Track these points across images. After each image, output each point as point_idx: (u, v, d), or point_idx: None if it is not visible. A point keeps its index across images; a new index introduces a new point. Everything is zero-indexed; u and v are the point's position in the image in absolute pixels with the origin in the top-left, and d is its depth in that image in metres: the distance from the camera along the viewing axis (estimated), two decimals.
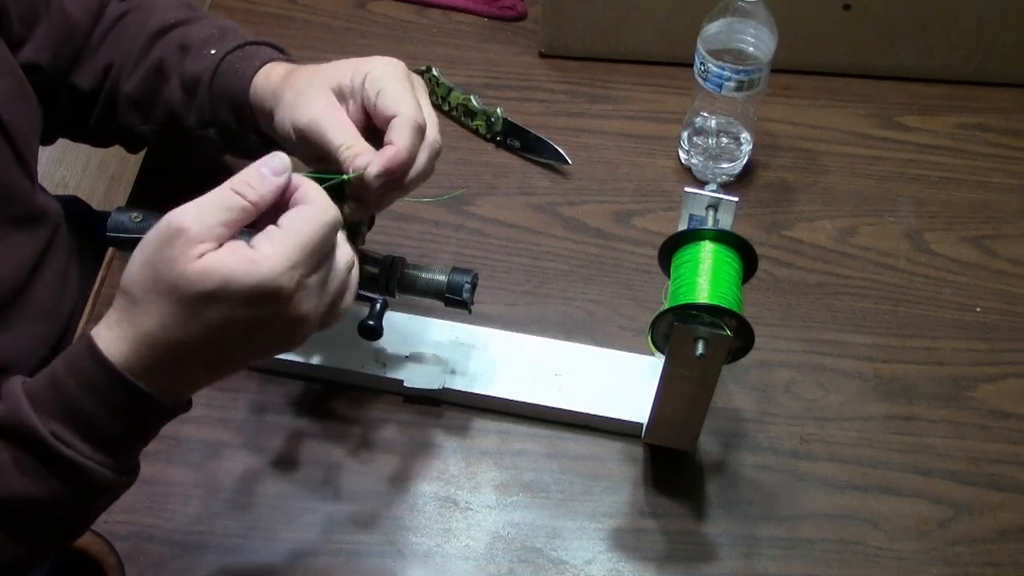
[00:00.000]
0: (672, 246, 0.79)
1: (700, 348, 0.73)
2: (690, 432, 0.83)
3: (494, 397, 0.87)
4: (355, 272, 0.71)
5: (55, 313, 0.94)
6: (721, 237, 0.77)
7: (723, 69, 0.98)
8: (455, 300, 0.82)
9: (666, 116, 1.12)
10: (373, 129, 0.78)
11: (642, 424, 0.85)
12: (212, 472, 0.83)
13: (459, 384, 0.88)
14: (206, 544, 0.80)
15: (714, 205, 0.81)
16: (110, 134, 1.00)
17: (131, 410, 0.64)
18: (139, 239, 0.78)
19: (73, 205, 1.19)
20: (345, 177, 0.74)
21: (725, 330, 0.73)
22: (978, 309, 0.97)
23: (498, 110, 1.08)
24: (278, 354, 0.70)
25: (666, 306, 0.75)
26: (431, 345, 0.90)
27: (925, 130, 1.13)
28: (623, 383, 0.88)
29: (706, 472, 0.86)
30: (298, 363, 0.88)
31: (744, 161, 1.06)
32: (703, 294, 0.74)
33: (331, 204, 0.65)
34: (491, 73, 1.16)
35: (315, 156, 0.79)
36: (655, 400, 0.80)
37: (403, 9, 1.23)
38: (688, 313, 0.74)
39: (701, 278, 0.75)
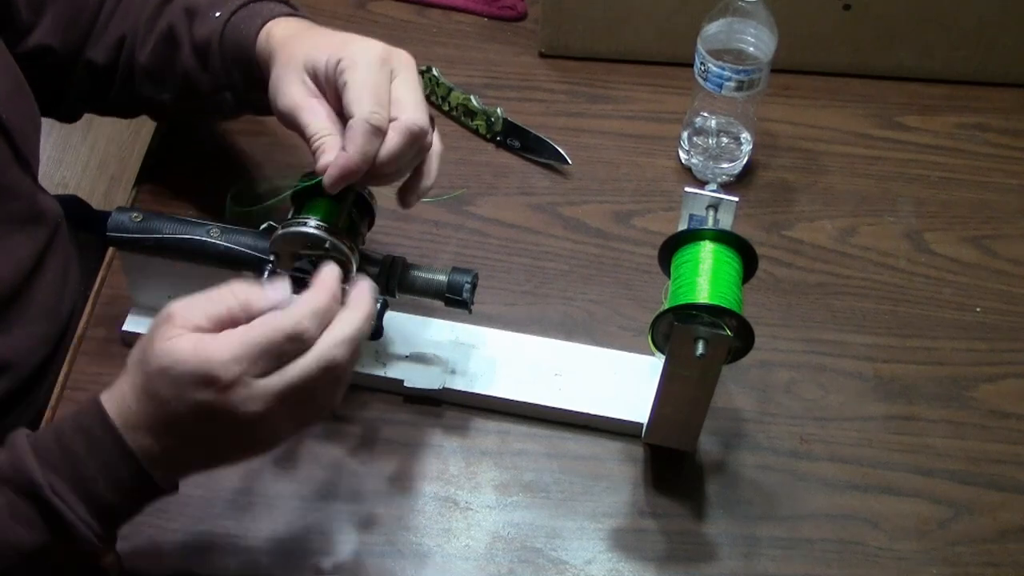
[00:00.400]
0: (672, 246, 0.79)
1: (700, 348, 0.73)
2: (690, 432, 0.83)
3: (494, 397, 0.87)
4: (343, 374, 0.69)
5: (55, 313, 0.94)
6: (721, 237, 0.77)
7: (723, 69, 0.98)
8: (455, 300, 0.82)
9: (666, 116, 1.12)
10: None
11: (642, 424, 0.85)
12: (212, 472, 0.83)
13: (459, 384, 0.88)
14: (206, 544, 0.80)
15: (714, 205, 0.81)
16: (133, 105, 0.99)
17: (125, 474, 0.67)
18: (139, 239, 0.78)
19: (73, 205, 1.19)
20: (300, 185, 0.77)
21: (725, 330, 0.73)
22: (978, 309, 0.97)
23: (498, 110, 1.08)
24: (248, 457, 0.71)
25: (666, 306, 0.75)
26: (431, 345, 0.90)
27: (925, 130, 1.12)
28: (623, 383, 0.88)
29: (706, 472, 0.86)
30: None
31: (744, 161, 1.06)
32: (703, 294, 0.74)
33: (303, 316, 0.66)
34: (491, 73, 1.16)
35: (301, 137, 0.78)
36: (655, 400, 0.80)
37: (403, 9, 1.23)
38: (688, 313, 0.74)
39: (701, 278, 0.75)
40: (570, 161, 1.06)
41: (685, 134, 1.07)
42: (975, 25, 1.12)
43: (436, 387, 0.87)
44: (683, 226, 0.83)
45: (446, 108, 1.11)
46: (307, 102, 0.77)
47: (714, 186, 0.82)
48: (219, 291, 0.67)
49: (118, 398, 0.68)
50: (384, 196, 1.04)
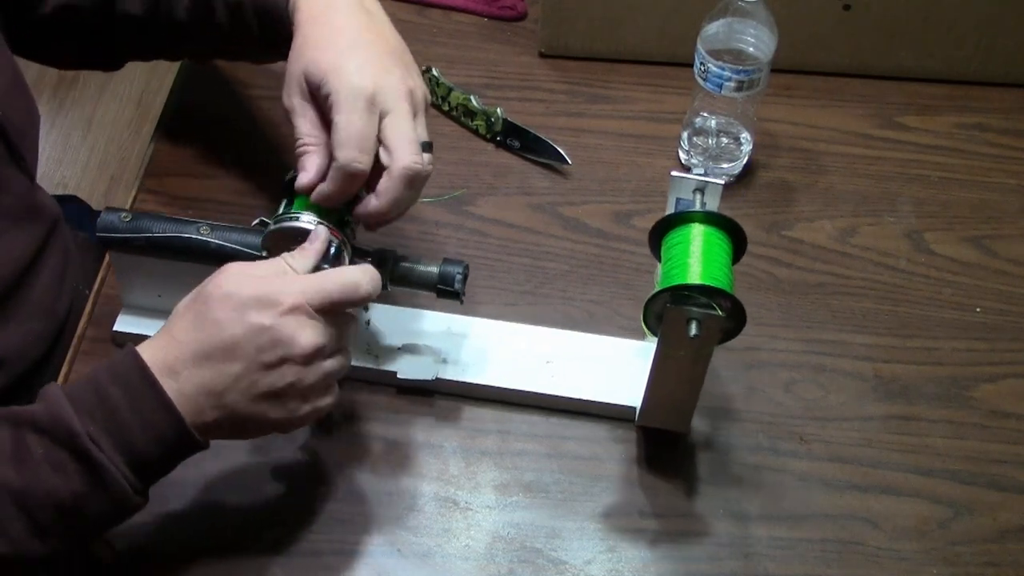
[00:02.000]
0: (662, 229, 0.79)
1: (693, 329, 0.74)
2: (684, 413, 0.84)
3: (487, 386, 0.88)
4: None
5: (51, 310, 0.95)
6: (710, 219, 0.77)
7: (723, 69, 0.98)
8: (447, 291, 0.82)
9: (666, 116, 1.11)
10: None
11: (635, 408, 0.86)
12: (212, 472, 0.83)
13: (452, 374, 0.88)
14: (206, 544, 0.80)
15: (701, 188, 0.82)
16: (175, 52, 1.00)
17: (162, 423, 0.69)
18: (129, 238, 0.79)
19: (72, 205, 1.19)
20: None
21: (717, 310, 0.73)
22: (978, 309, 0.97)
23: (498, 110, 1.08)
24: (274, 420, 0.73)
25: (658, 288, 0.75)
26: (423, 336, 0.90)
27: (925, 130, 1.12)
28: (615, 368, 0.89)
29: (706, 472, 0.86)
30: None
31: (744, 161, 1.06)
32: (695, 275, 0.74)
33: (365, 274, 0.75)
34: (491, 73, 1.16)
35: None
36: (648, 382, 0.81)
37: (403, 9, 1.23)
38: (681, 294, 0.74)
39: (692, 259, 0.75)
40: (570, 161, 1.06)
41: (685, 134, 1.07)
42: (975, 25, 1.12)
43: (429, 377, 0.87)
44: (670, 210, 0.83)
45: (446, 108, 1.11)
46: (301, 107, 0.80)
47: (701, 170, 0.82)
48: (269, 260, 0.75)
49: (159, 347, 0.71)
50: None
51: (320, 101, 0.79)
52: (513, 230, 1.01)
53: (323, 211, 0.80)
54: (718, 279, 0.74)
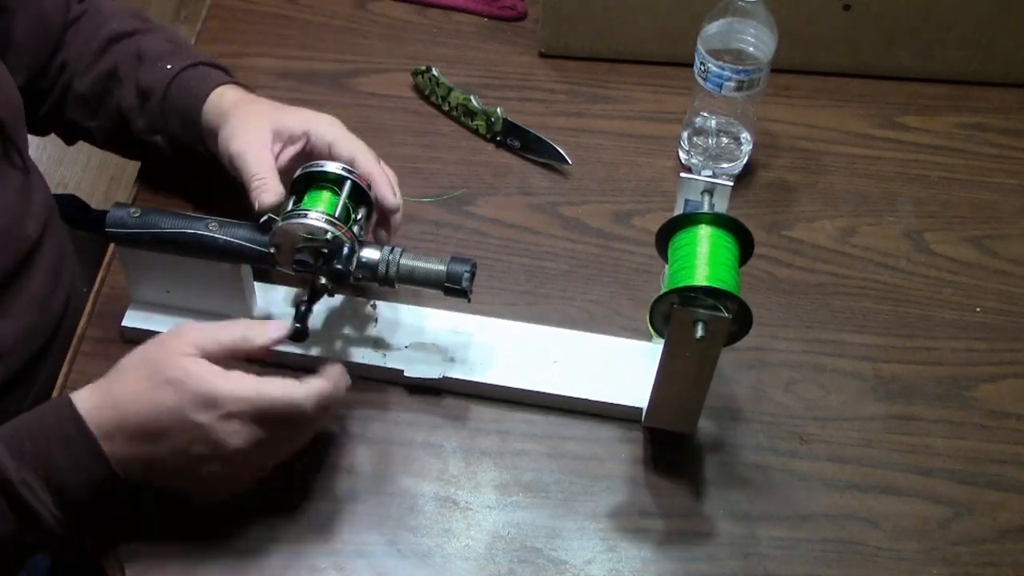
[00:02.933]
0: (669, 230, 0.79)
1: (700, 331, 0.74)
2: (690, 414, 0.84)
3: (493, 385, 0.88)
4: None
5: (47, 305, 0.95)
6: (717, 221, 0.77)
7: (723, 69, 0.98)
8: (455, 289, 0.82)
9: (666, 116, 1.12)
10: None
11: (641, 408, 0.86)
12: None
13: (458, 372, 0.88)
14: (206, 544, 0.80)
15: (709, 190, 0.82)
16: (51, 126, 1.03)
17: (93, 473, 0.73)
18: (138, 233, 0.79)
19: (72, 205, 1.19)
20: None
21: (724, 312, 0.73)
22: (978, 309, 0.97)
23: (498, 110, 1.08)
24: (213, 492, 0.79)
25: (665, 289, 0.75)
26: (430, 335, 0.90)
27: (925, 130, 1.12)
28: (621, 369, 0.89)
29: (706, 472, 0.86)
30: (297, 355, 0.88)
31: (744, 161, 1.06)
32: (702, 277, 0.74)
33: (310, 398, 0.75)
34: (491, 73, 1.16)
35: (242, 184, 0.85)
36: (655, 383, 0.81)
37: (403, 9, 1.23)
38: (687, 296, 0.74)
39: (699, 261, 0.75)
40: (570, 161, 1.06)
41: (685, 134, 1.07)
42: (975, 25, 1.12)
43: (436, 376, 0.87)
44: (679, 211, 0.83)
45: (446, 108, 1.11)
46: (259, 148, 0.85)
47: (709, 172, 0.82)
48: (230, 323, 0.78)
49: (97, 403, 0.74)
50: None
51: (292, 140, 0.87)
52: (513, 230, 1.01)
53: (333, 208, 0.81)
54: (725, 281, 0.74)
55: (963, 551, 0.82)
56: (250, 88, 0.95)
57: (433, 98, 1.12)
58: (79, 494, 0.74)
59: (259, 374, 0.75)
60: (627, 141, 1.10)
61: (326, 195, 0.82)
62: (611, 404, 0.87)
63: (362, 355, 0.89)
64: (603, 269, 0.99)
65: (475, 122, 1.09)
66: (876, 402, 0.90)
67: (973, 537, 0.83)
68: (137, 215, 0.84)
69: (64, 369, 0.89)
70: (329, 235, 0.80)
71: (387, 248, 0.83)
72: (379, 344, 0.89)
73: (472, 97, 1.09)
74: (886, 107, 1.14)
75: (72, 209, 1.16)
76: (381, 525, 0.82)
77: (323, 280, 0.81)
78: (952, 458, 0.87)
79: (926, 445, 0.88)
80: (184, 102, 0.93)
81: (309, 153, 0.87)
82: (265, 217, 0.83)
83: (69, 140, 1.04)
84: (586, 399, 0.87)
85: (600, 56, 1.17)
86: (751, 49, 0.99)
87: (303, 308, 0.81)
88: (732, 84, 0.98)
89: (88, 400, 0.75)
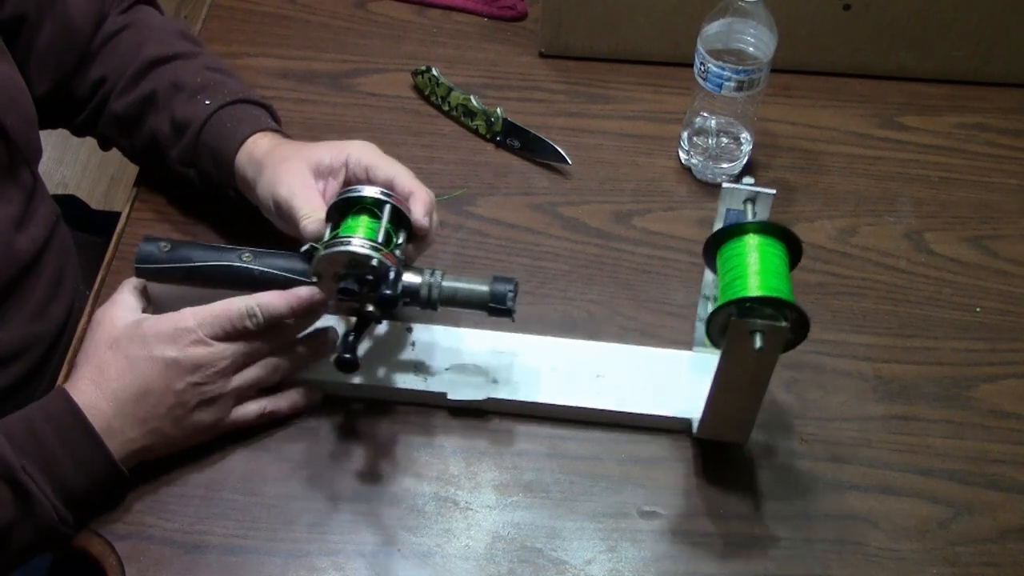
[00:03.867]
0: (717, 242, 0.79)
1: (758, 341, 0.74)
2: (744, 424, 0.83)
3: (540, 403, 0.87)
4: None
5: (52, 311, 0.95)
6: (765, 229, 0.78)
7: (723, 69, 0.98)
8: (499, 309, 0.81)
9: (666, 116, 1.12)
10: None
11: (689, 419, 0.86)
12: (212, 472, 0.83)
13: (503, 393, 0.87)
14: (206, 544, 0.80)
15: (752, 198, 0.82)
16: (87, 133, 1.03)
17: (90, 460, 0.77)
18: (169, 269, 0.82)
19: (72, 205, 1.19)
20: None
21: (782, 321, 0.74)
22: (978, 309, 0.97)
23: (498, 110, 1.08)
24: (204, 425, 0.82)
25: (719, 302, 0.76)
26: (470, 355, 0.89)
27: (925, 130, 1.13)
28: (665, 380, 0.89)
29: (705, 473, 0.86)
30: (340, 384, 0.87)
31: (744, 161, 1.06)
32: (755, 287, 0.75)
33: (255, 302, 0.80)
34: (491, 73, 1.16)
35: (289, 225, 0.85)
36: (710, 393, 0.81)
37: (403, 9, 1.23)
38: (745, 307, 0.75)
39: (750, 271, 0.76)
40: (570, 161, 1.06)
41: (685, 134, 1.07)
42: (975, 25, 1.12)
43: (480, 398, 0.87)
44: (720, 221, 0.84)
45: (446, 108, 1.11)
46: (305, 188, 0.85)
47: (751, 179, 0.82)
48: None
49: (86, 388, 0.78)
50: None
51: (333, 171, 0.87)
52: (513, 230, 1.01)
53: (375, 234, 0.80)
54: (779, 289, 0.74)
55: (963, 551, 0.82)
56: (283, 132, 0.95)
57: (433, 98, 1.12)
58: (79, 484, 0.76)
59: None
60: (627, 141, 1.10)
61: (365, 220, 0.81)
62: (659, 416, 0.87)
63: (404, 380, 0.88)
64: (603, 269, 0.99)
65: (475, 122, 1.09)
66: (876, 402, 0.90)
67: (973, 537, 0.83)
68: (167, 249, 0.83)
69: (64, 370, 0.89)
70: (374, 261, 0.79)
71: (427, 271, 0.82)
72: (419, 368, 0.88)
73: (472, 97, 1.09)
74: (886, 107, 1.14)
75: (72, 210, 1.16)
76: (381, 525, 0.82)
77: (371, 307, 0.80)
78: (952, 458, 0.87)
79: (926, 445, 0.88)
80: (218, 144, 0.92)
81: (349, 180, 0.87)
82: (307, 246, 0.82)
83: (104, 148, 1.04)
84: (634, 412, 0.87)
85: (600, 56, 1.17)
86: (751, 49, 0.99)
87: (351, 338, 0.80)
88: (732, 84, 0.98)
89: (77, 387, 0.78)
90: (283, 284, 0.82)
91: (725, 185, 0.82)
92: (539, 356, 0.90)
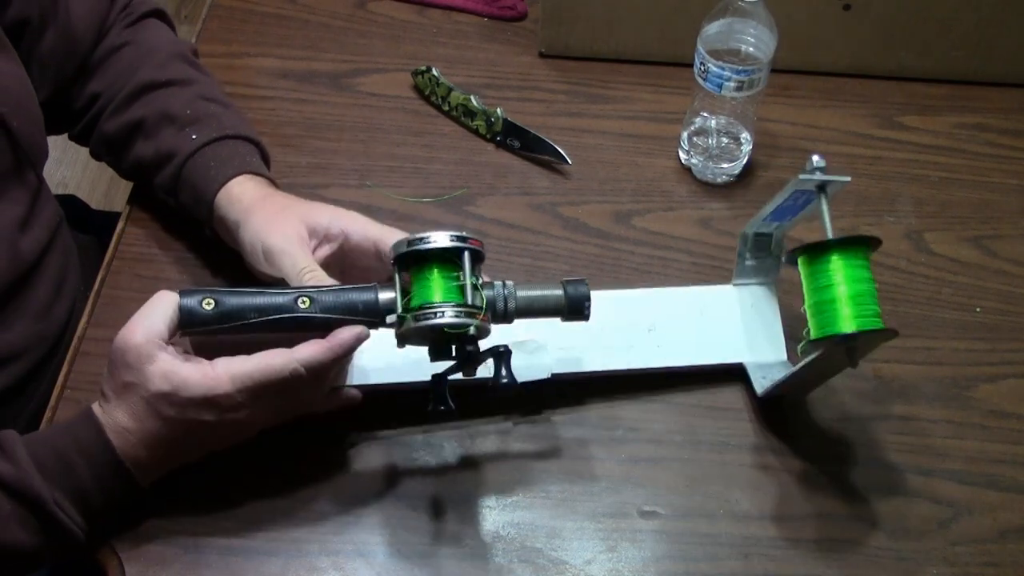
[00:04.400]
0: (804, 248, 0.81)
1: (858, 361, 0.78)
2: (811, 387, 0.88)
3: (601, 372, 0.88)
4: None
5: (54, 312, 0.95)
6: (845, 243, 0.79)
7: (723, 69, 0.98)
8: (577, 314, 0.80)
9: (666, 116, 1.12)
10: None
11: (741, 364, 0.89)
12: (212, 472, 0.83)
13: (565, 367, 0.87)
14: (206, 544, 0.80)
15: (823, 186, 0.82)
16: (84, 143, 1.03)
17: (115, 484, 0.77)
18: (220, 329, 0.77)
19: (72, 205, 1.19)
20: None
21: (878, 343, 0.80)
22: (978, 309, 0.97)
23: (498, 110, 1.08)
24: (231, 443, 0.81)
25: (816, 330, 0.79)
26: (522, 336, 0.87)
27: (925, 130, 1.13)
28: (713, 322, 0.91)
29: (705, 473, 0.86)
30: (402, 383, 0.85)
31: (744, 161, 1.06)
32: (848, 324, 0.77)
33: (298, 361, 0.75)
34: (491, 73, 1.16)
35: (274, 274, 0.84)
36: (791, 373, 0.83)
37: (403, 9, 1.23)
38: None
39: (840, 302, 0.78)
40: (570, 161, 1.06)
41: (685, 134, 1.07)
42: (975, 25, 1.12)
43: (545, 376, 0.86)
44: (784, 193, 0.84)
45: (446, 108, 1.11)
46: (301, 244, 0.84)
47: (821, 161, 0.82)
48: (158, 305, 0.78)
49: (113, 420, 0.76)
50: (385, 197, 1.04)
51: (329, 237, 0.86)
52: (513, 230, 1.01)
53: (460, 296, 0.76)
54: (868, 316, 0.78)
55: (963, 551, 0.82)
56: (270, 178, 0.93)
57: (433, 98, 1.12)
58: (102, 505, 0.77)
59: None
60: (627, 141, 1.10)
61: (438, 277, 0.76)
62: (715, 365, 0.89)
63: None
64: (603, 269, 0.99)
65: (475, 122, 1.09)
66: (876, 402, 0.90)
67: (973, 537, 0.83)
68: (212, 307, 0.75)
69: (64, 369, 0.89)
70: (471, 330, 0.75)
71: (498, 283, 0.79)
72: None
73: (472, 97, 1.09)
74: (886, 107, 1.14)
75: (72, 210, 1.16)
76: (381, 525, 0.82)
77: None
78: (952, 458, 0.87)
79: (926, 445, 0.88)
80: (199, 182, 0.91)
81: (347, 253, 0.86)
82: (392, 319, 0.77)
83: (96, 159, 1.03)
84: (690, 365, 0.89)
85: (600, 56, 1.17)
86: (751, 49, 0.99)
87: (441, 386, 0.78)
88: (732, 84, 0.98)
89: (105, 417, 0.76)
90: (345, 324, 0.78)
91: (801, 176, 0.81)
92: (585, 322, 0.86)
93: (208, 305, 0.75)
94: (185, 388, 0.74)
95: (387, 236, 0.84)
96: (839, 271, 0.79)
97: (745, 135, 1.06)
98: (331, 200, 1.02)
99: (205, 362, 0.75)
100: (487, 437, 0.87)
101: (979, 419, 0.90)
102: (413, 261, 0.77)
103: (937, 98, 1.15)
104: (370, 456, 0.86)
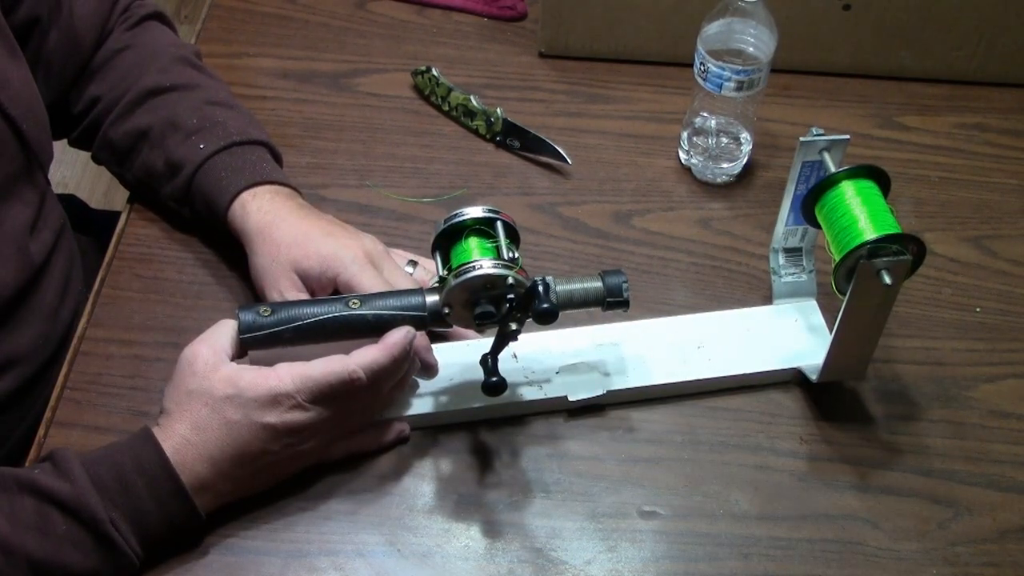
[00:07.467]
0: (814, 197, 0.83)
1: (887, 278, 0.78)
2: (863, 361, 0.87)
3: (655, 385, 0.89)
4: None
5: (58, 314, 0.95)
6: (856, 173, 0.82)
7: (723, 69, 0.98)
8: (616, 302, 0.82)
9: (666, 116, 1.12)
10: None
11: (793, 368, 0.89)
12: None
13: (619, 384, 0.88)
14: (206, 544, 0.80)
15: (827, 148, 0.85)
16: (83, 148, 1.02)
17: (173, 506, 0.75)
18: (275, 333, 0.79)
19: (72, 205, 1.19)
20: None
21: (907, 255, 0.78)
22: (978, 309, 0.97)
23: (498, 110, 1.08)
24: (288, 473, 0.82)
25: (840, 251, 0.80)
26: (574, 354, 0.90)
27: (925, 130, 1.13)
28: (759, 337, 0.92)
29: (705, 473, 0.86)
30: (459, 411, 0.87)
31: (744, 161, 1.06)
32: (870, 230, 0.79)
33: (356, 363, 0.77)
34: (491, 73, 1.16)
35: None
36: (834, 338, 0.83)
37: (403, 9, 1.23)
38: (870, 249, 0.79)
39: (858, 213, 0.80)
40: (570, 161, 1.06)
41: (685, 134, 1.07)
42: (975, 25, 1.12)
43: (600, 392, 0.87)
44: (793, 180, 0.87)
45: (446, 108, 1.11)
46: (294, 296, 0.85)
47: (820, 129, 0.85)
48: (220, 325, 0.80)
49: (173, 433, 0.76)
50: (384, 197, 1.04)
51: (321, 285, 0.86)
52: None
53: (494, 253, 0.79)
54: (892, 225, 0.79)
55: (963, 551, 0.82)
56: (281, 181, 0.93)
57: (433, 98, 1.12)
58: (158, 529, 0.76)
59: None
60: (627, 141, 1.10)
61: (476, 241, 0.80)
62: (766, 372, 0.90)
63: (520, 393, 0.87)
64: (603, 269, 0.98)
65: (475, 122, 1.09)
66: (876, 402, 0.90)
67: (973, 537, 0.83)
68: (268, 314, 0.79)
69: (64, 369, 0.89)
70: (510, 279, 0.78)
71: (537, 278, 0.80)
72: (530, 378, 0.88)
73: (472, 97, 1.09)
74: (886, 107, 1.14)
75: (72, 210, 1.16)
76: (381, 525, 0.82)
77: (513, 326, 0.80)
78: (952, 458, 0.87)
79: (926, 445, 0.88)
80: (211, 193, 0.91)
81: (339, 291, 0.86)
82: (434, 280, 0.81)
83: (96, 163, 1.03)
84: (742, 374, 0.90)
85: (600, 56, 1.17)
86: (751, 49, 0.99)
87: (490, 362, 0.80)
88: (732, 84, 0.98)
89: (180, 452, 0.76)
90: (400, 323, 0.80)
91: (802, 140, 0.84)
92: (636, 341, 0.91)
93: (265, 312, 0.79)
94: (249, 388, 0.76)
95: (375, 287, 0.84)
96: (853, 196, 0.81)
97: (745, 135, 1.06)
98: (331, 200, 1.02)
99: (267, 367, 0.78)
100: (487, 438, 0.87)
101: (979, 419, 0.90)
102: (450, 238, 0.81)
103: (937, 98, 1.15)
104: (370, 456, 0.85)
